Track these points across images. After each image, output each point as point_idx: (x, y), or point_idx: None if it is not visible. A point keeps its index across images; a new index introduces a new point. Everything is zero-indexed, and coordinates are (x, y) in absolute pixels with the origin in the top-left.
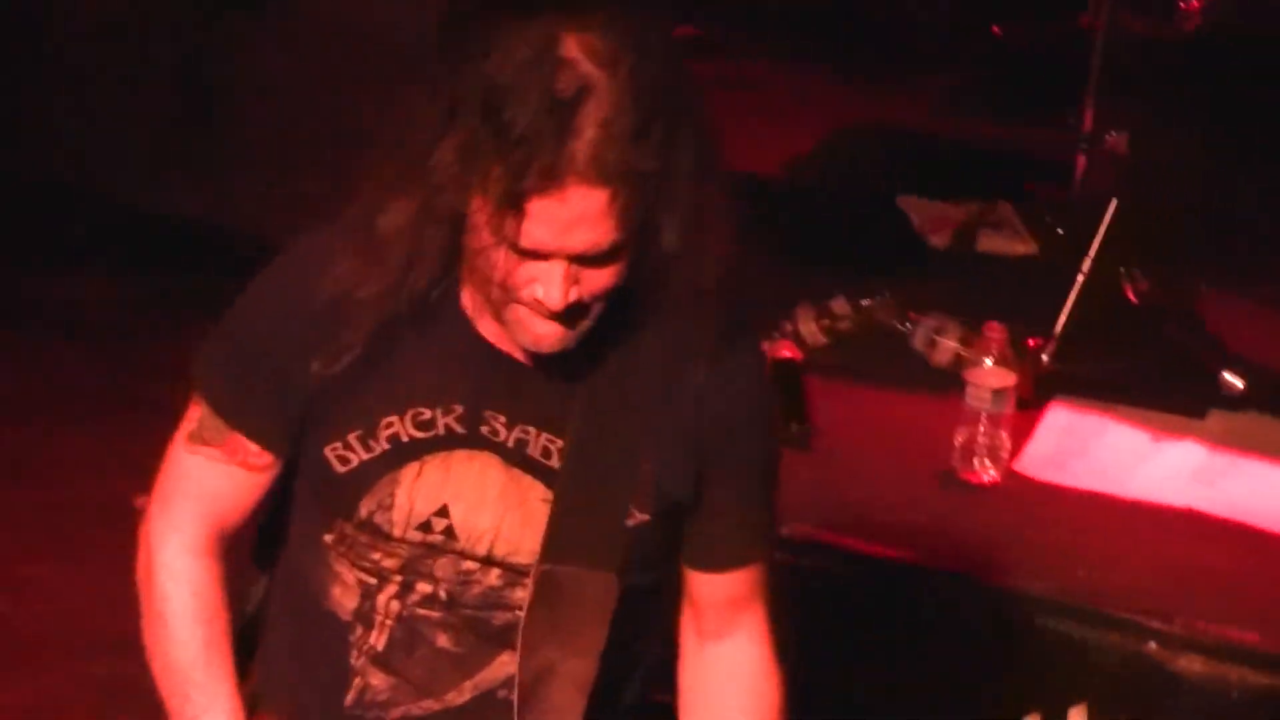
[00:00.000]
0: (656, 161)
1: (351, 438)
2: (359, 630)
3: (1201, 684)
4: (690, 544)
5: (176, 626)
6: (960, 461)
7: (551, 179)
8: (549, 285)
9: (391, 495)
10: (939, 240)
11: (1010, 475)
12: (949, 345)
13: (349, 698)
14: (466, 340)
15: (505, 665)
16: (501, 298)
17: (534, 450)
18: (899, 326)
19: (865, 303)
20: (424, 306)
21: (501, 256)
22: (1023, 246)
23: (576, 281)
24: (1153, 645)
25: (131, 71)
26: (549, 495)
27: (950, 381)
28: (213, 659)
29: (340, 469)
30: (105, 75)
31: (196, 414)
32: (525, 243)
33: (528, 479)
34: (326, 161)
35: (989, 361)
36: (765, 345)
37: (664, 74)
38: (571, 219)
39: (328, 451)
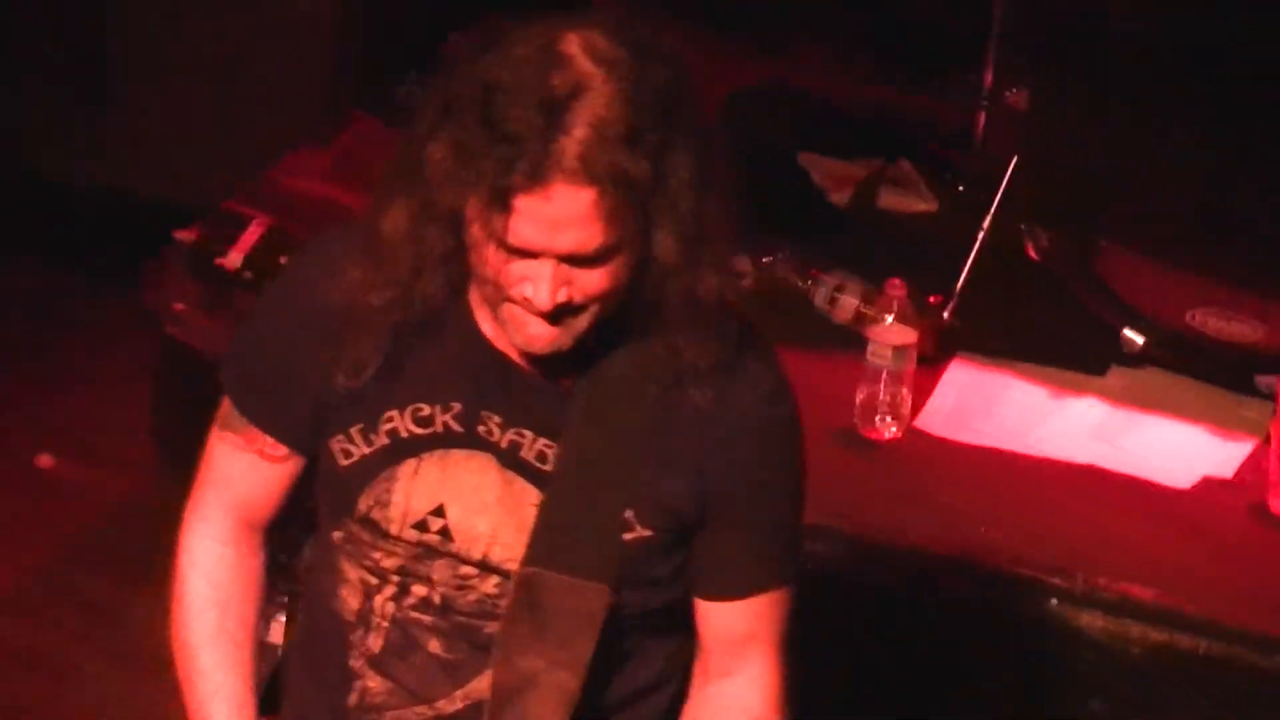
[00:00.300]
0: (649, 166)
1: (354, 431)
2: (360, 631)
3: (1102, 641)
4: (695, 569)
5: (189, 610)
6: (861, 418)
7: (538, 177)
8: (538, 284)
9: (389, 492)
10: (840, 198)
11: (911, 432)
12: (850, 303)
13: (351, 699)
14: (469, 339)
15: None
16: (495, 296)
17: (528, 454)
18: (800, 284)
19: (766, 260)
20: (435, 310)
21: (492, 253)
22: (923, 204)
23: (568, 282)
24: (1053, 602)
25: (31, 41)
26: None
27: (852, 339)
28: (220, 645)
29: (343, 462)
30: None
31: (225, 402)
32: (513, 240)
33: (521, 482)
34: (225, 131)
35: (890, 319)
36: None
37: (666, 80)
38: (558, 218)
39: (333, 444)
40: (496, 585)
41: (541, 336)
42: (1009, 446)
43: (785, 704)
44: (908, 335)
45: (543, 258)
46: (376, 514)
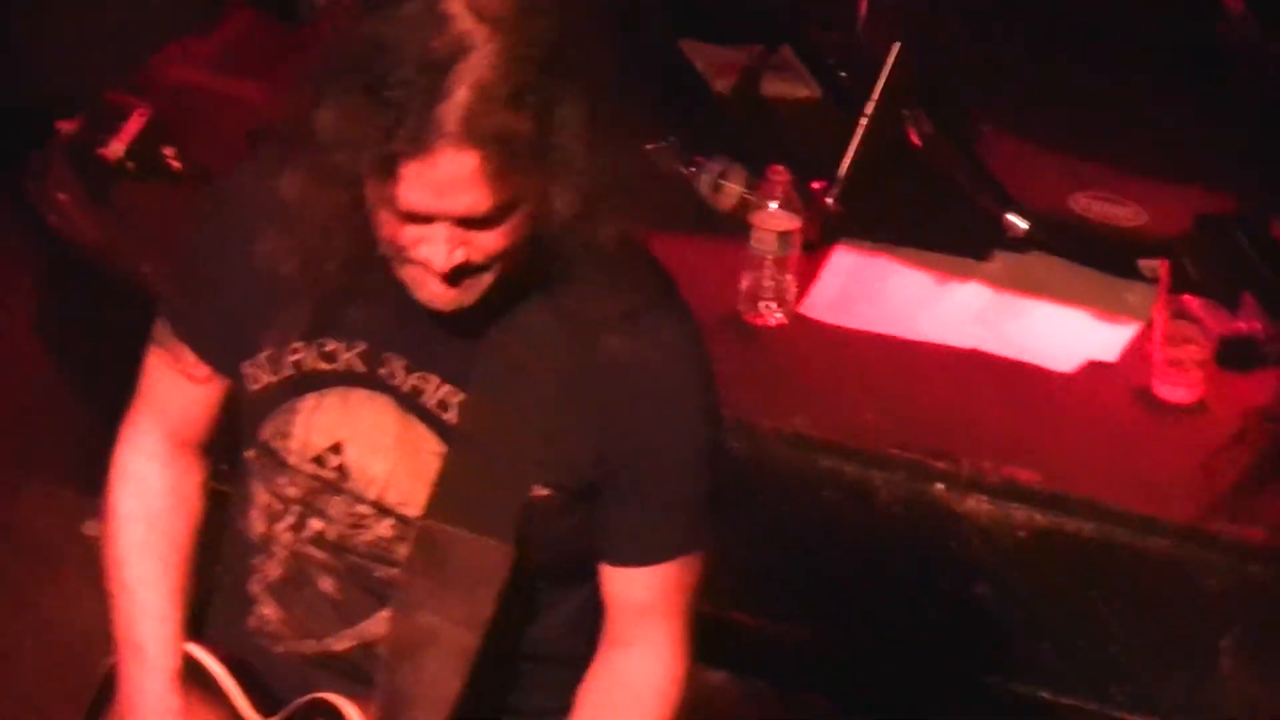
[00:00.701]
0: (534, 125)
1: (263, 357)
2: (261, 556)
3: (988, 525)
4: (600, 533)
5: (117, 524)
6: (746, 305)
7: (421, 143)
8: (434, 246)
9: (290, 423)
10: (722, 85)
11: (795, 318)
12: (733, 189)
13: (250, 623)
14: (384, 279)
15: (386, 621)
16: (396, 256)
17: (430, 400)
18: (684, 172)
19: (649, 147)
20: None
21: (386, 217)
22: (806, 90)
23: (465, 243)
24: (938, 487)
25: None
26: (442, 449)
27: (735, 226)
28: (147, 560)
29: (251, 387)
30: None
31: (158, 320)
32: (404, 205)
33: (421, 428)
34: (108, 21)
35: (774, 205)
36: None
37: (552, 30)
38: (445, 182)
39: (244, 368)
40: (391, 528)
41: (441, 296)
42: (893, 332)
43: (685, 677)
44: (791, 222)
45: (436, 221)
46: (277, 443)
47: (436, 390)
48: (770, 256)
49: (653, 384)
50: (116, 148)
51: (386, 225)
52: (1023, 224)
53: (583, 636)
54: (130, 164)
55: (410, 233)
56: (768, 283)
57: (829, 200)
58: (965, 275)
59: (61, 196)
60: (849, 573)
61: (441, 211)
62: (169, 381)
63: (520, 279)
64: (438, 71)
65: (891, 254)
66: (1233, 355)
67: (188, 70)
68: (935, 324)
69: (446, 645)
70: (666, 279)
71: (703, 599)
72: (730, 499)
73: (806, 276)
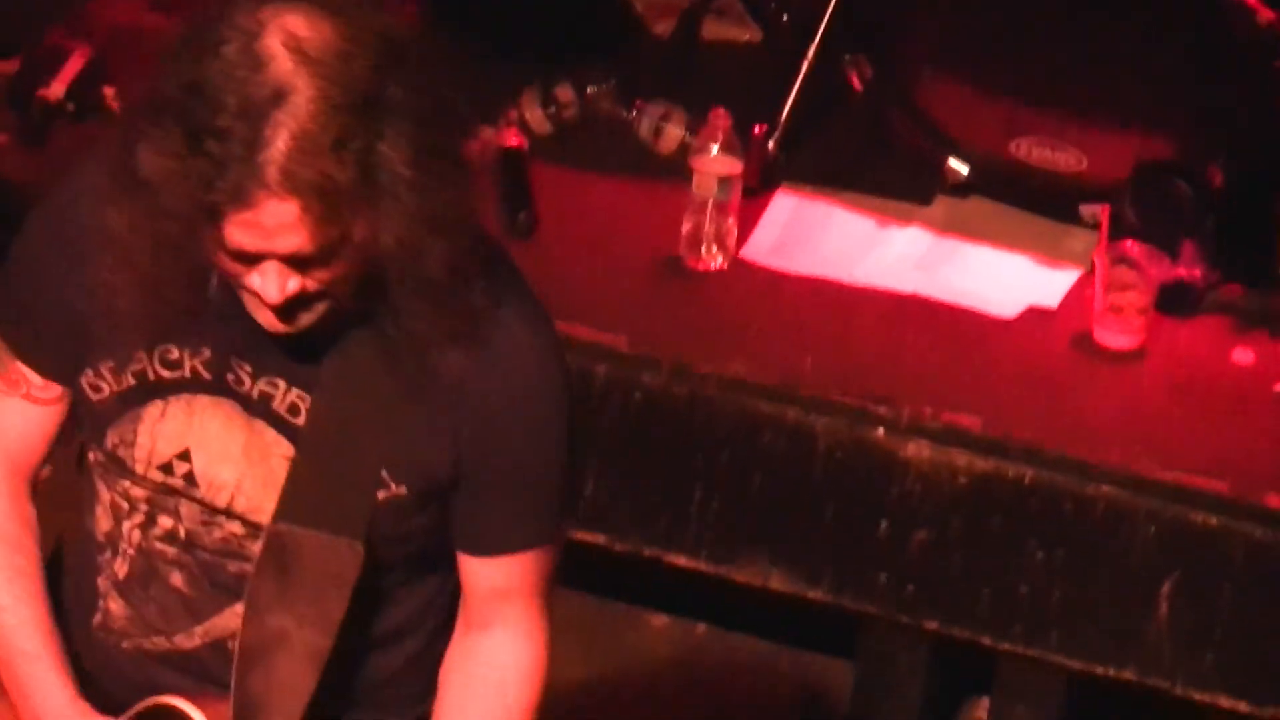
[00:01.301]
0: (355, 170)
1: (104, 368)
2: (107, 554)
3: (928, 471)
4: (456, 524)
5: None
6: (687, 249)
7: (240, 195)
8: (265, 280)
9: (134, 432)
10: (663, 28)
11: (736, 263)
12: (675, 133)
13: (95, 619)
14: (226, 286)
15: (237, 617)
16: (233, 281)
17: (280, 405)
18: (624, 114)
19: (590, 90)
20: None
21: (217, 253)
22: (747, 34)
23: (299, 273)
24: (879, 432)
25: None
26: (293, 454)
27: (676, 169)
28: (16, 581)
29: (93, 396)
30: None
31: None
32: (231, 247)
33: (271, 434)
34: None
35: (715, 149)
36: (481, 150)
37: (377, 70)
38: (270, 228)
39: (83, 380)
40: (243, 527)
41: (275, 324)
42: (834, 277)
43: (546, 656)
44: (732, 166)
45: (265, 260)
46: (122, 452)
47: (285, 395)
48: (711, 201)
49: (509, 391)
50: (56, 88)
51: (218, 259)
52: (963, 169)
53: (433, 620)
54: (70, 105)
55: (240, 268)
56: (709, 227)
57: (770, 145)
58: (906, 220)
59: (1, 138)
60: (789, 518)
61: (268, 251)
62: (5, 410)
63: (357, 304)
64: (257, 119)
65: (832, 199)
66: (1173, 301)
67: (127, 10)
68: (876, 269)
69: (298, 647)
70: (513, 279)
71: (641, 542)
72: (670, 443)
73: (747, 221)
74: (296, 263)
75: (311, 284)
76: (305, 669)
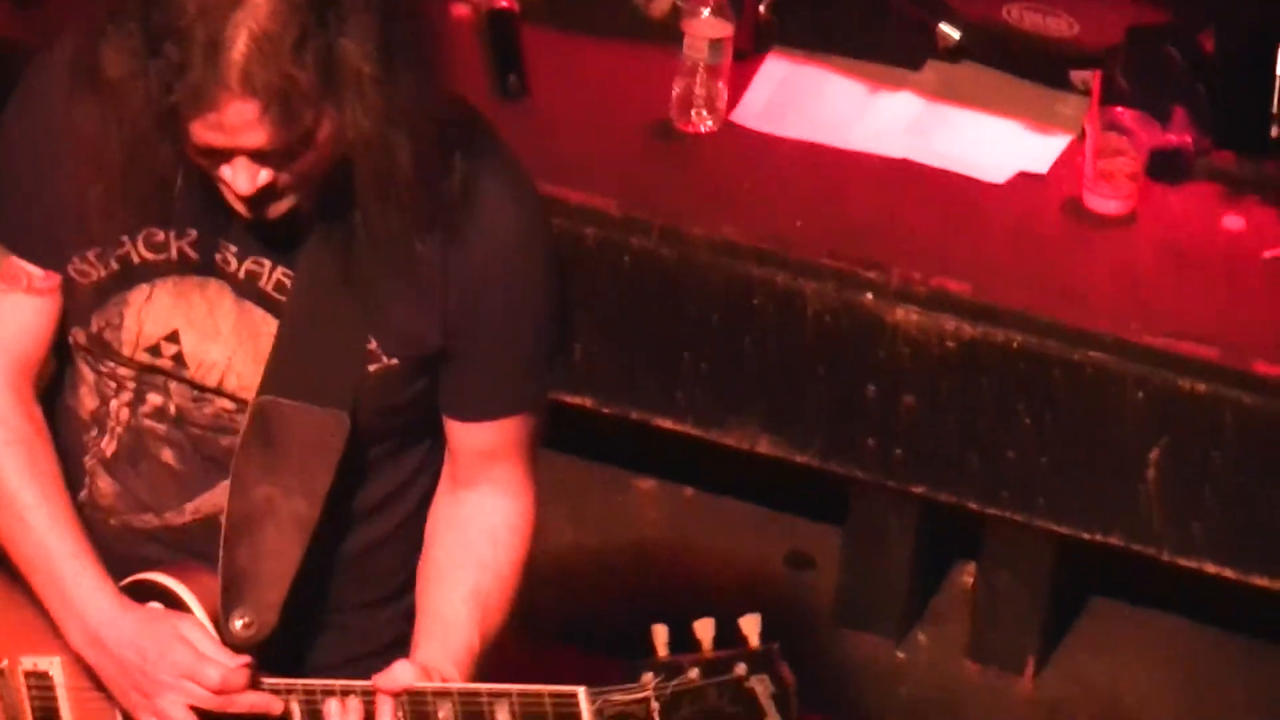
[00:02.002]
0: (315, 70)
1: (90, 254)
2: (94, 432)
3: (917, 335)
4: (443, 390)
5: None
6: (677, 113)
7: (201, 98)
8: (235, 173)
9: (121, 315)
10: None
11: (727, 126)
12: None
13: (82, 495)
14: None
15: (227, 491)
16: (204, 173)
17: (267, 284)
18: None
19: None
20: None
21: (187, 146)
22: None
23: (271, 166)
24: (868, 297)
25: None
26: None
27: (668, 33)
28: (40, 478)
29: (79, 281)
30: None
31: None
32: (198, 143)
33: (260, 312)
34: None
35: (706, 12)
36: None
37: None
38: (234, 126)
39: (70, 268)
40: (234, 404)
41: (248, 214)
42: (824, 141)
43: (533, 513)
44: (723, 29)
45: (234, 156)
46: (109, 335)
47: (271, 273)
48: (702, 64)
49: (496, 259)
50: None
51: (189, 150)
52: (955, 34)
53: (418, 492)
54: None
55: (209, 163)
56: (699, 91)
57: (761, 8)
58: (897, 85)
59: None
60: (777, 382)
61: (235, 147)
62: (5, 307)
63: (329, 197)
64: (216, 20)
65: (823, 63)
66: (1163, 168)
67: None
68: (866, 134)
69: (285, 518)
70: (493, 148)
71: (629, 407)
72: (659, 306)
73: (738, 85)
74: (264, 157)
75: (283, 177)
76: (292, 539)
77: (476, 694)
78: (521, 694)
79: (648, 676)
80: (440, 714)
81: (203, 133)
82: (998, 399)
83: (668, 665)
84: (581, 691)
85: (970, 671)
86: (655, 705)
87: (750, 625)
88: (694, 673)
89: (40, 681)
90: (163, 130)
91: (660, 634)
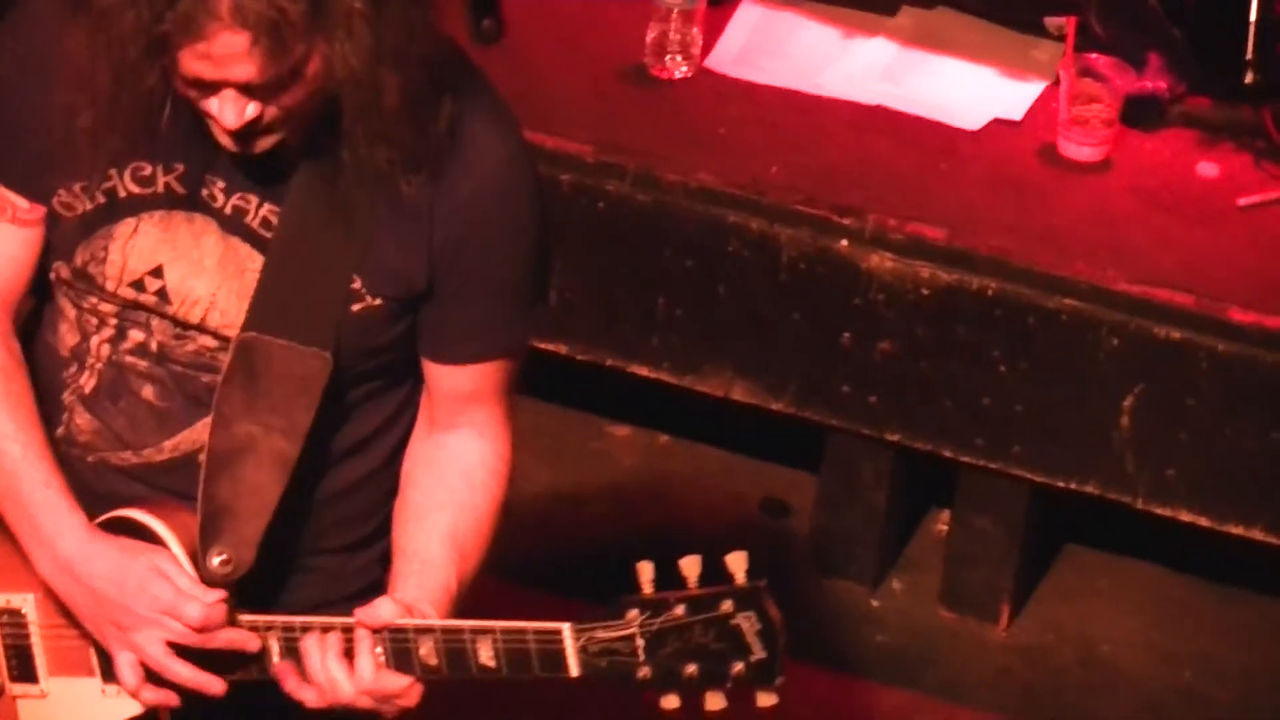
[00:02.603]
0: (306, 2)
1: (76, 186)
2: (73, 369)
3: (892, 281)
4: (424, 332)
5: None
6: (652, 58)
7: (191, 27)
8: (222, 106)
9: (105, 249)
10: None
11: (702, 72)
12: None
13: (59, 432)
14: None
15: (208, 429)
16: (192, 104)
17: (253, 220)
18: None
19: None
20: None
21: (175, 77)
22: None
23: (256, 99)
24: (844, 243)
25: None
26: None
27: None
28: (17, 409)
29: (64, 214)
30: None
31: None
32: (186, 74)
33: (246, 249)
34: None
35: None
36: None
37: None
38: (223, 57)
39: (57, 197)
40: (215, 340)
41: (235, 148)
42: (799, 87)
43: (509, 454)
44: None
45: (222, 88)
46: (92, 269)
47: (258, 210)
48: (676, 9)
49: (481, 199)
50: None
51: (177, 82)
52: None
53: (396, 434)
54: None
55: (197, 94)
56: (674, 35)
57: None
58: (872, 30)
59: None
60: (752, 328)
61: (223, 79)
62: None
63: (317, 133)
64: None
65: (798, 8)
66: (1138, 114)
67: None
68: (841, 79)
69: (265, 455)
70: (479, 87)
71: (604, 353)
72: (633, 252)
73: (713, 30)
74: (252, 90)
75: (270, 111)
76: (272, 475)
77: (459, 630)
78: (505, 630)
79: (633, 613)
80: (421, 650)
81: (191, 63)
82: (973, 346)
83: (653, 602)
84: (566, 628)
85: (945, 619)
86: (640, 642)
87: (737, 562)
88: (679, 609)
89: (13, 619)
90: (151, 59)
91: (645, 571)
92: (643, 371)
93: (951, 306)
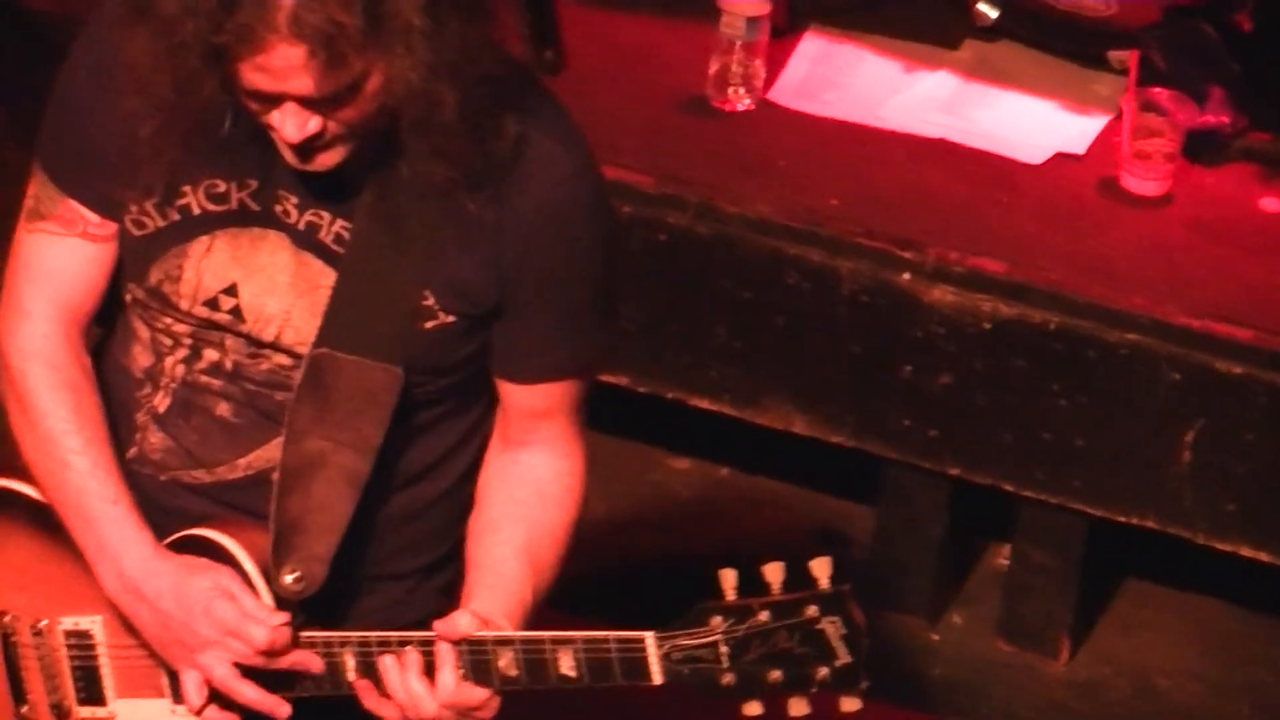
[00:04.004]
0: (364, 16)
1: (149, 204)
2: (146, 389)
3: (952, 315)
4: (496, 350)
5: (39, 398)
6: (714, 90)
7: (249, 39)
8: (284, 119)
9: (180, 267)
10: None
11: (763, 104)
12: None
13: (131, 452)
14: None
15: (280, 448)
16: (256, 119)
17: (326, 236)
18: None
19: None
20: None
21: (237, 88)
22: None
23: (318, 113)
24: (904, 276)
25: None
26: None
27: (705, 8)
28: (86, 424)
29: (135, 232)
30: None
31: (33, 188)
32: (247, 86)
33: (319, 265)
34: None
35: None
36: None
37: None
38: (281, 70)
39: (127, 219)
40: (290, 359)
41: (298, 162)
42: (860, 119)
43: (584, 469)
44: (761, 6)
45: (283, 101)
46: (167, 288)
47: (331, 226)
48: (739, 41)
49: (550, 213)
50: None
51: (240, 94)
52: (992, 13)
53: (466, 458)
54: None
55: (259, 107)
56: (736, 68)
57: None
58: (934, 64)
59: None
60: (812, 361)
61: (284, 92)
62: (59, 252)
63: (379, 148)
64: None
65: (860, 41)
66: (1200, 148)
67: None
68: (903, 112)
69: (335, 471)
70: (545, 104)
71: (664, 385)
72: (694, 284)
73: (775, 62)
74: (312, 104)
75: (332, 125)
76: (343, 492)
77: (539, 641)
78: (587, 640)
79: (716, 619)
80: (501, 662)
81: (250, 74)
82: (1033, 379)
83: (736, 608)
84: (649, 636)
85: (1003, 652)
86: (724, 649)
87: (821, 567)
88: (764, 615)
89: (81, 641)
90: (210, 69)
91: (728, 578)
92: (702, 404)
93: (1012, 340)
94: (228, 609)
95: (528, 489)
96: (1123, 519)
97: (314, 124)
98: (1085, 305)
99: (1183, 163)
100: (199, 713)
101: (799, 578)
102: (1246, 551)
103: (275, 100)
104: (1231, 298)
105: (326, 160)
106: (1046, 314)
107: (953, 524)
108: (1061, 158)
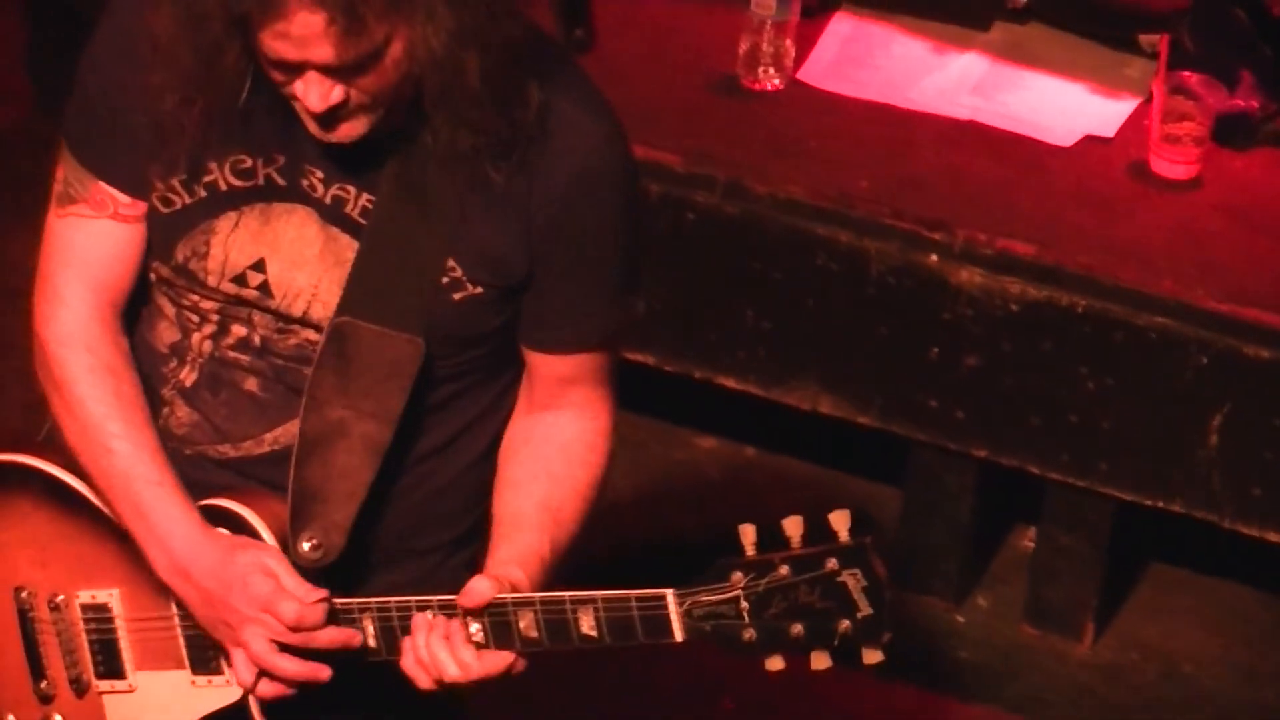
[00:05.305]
0: None
1: (175, 180)
2: (173, 364)
3: (980, 296)
4: (525, 321)
5: (78, 384)
6: (744, 69)
7: (271, 5)
8: (307, 88)
9: (207, 244)
10: None
11: (793, 84)
12: None
13: (158, 425)
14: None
15: None
16: (280, 89)
17: (353, 209)
18: None
19: None
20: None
21: (260, 57)
22: None
23: (341, 82)
24: (933, 257)
25: None
26: None
27: None
28: (126, 408)
29: (162, 210)
30: None
31: (61, 172)
32: (269, 55)
33: (346, 239)
34: None
35: None
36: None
37: None
38: (302, 37)
39: (156, 192)
40: (318, 334)
41: (321, 132)
42: (890, 100)
43: (611, 431)
44: None
45: (305, 70)
46: (194, 265)
47: (357, 199)
48: (769, 21)
49: (577, 181)
50: None
51: (263, 64)
52: None
53: (489, 432)
54: None
55: (282, 76)
56: (766, 47)
57: None
58: (964, 45)
59: None
60: (840, 341)
61: (306, 59)
62: (90, 236)
63: (403, 117)
64: None
65: (891, 21)
66: (1230, 132)
67: None
68: (933, 93)
69: (356, 438)
70: (573, 74)
71: (690, 365)
72: (722, 264)
73: (805, 42)
74: (334, 72)
75: (355, 94)
76: (363, 460)
77: (559, 601)
78: (606, 599)
79: (736, 575)
80: (522, 624)
81: (272, 42)
82: (1060, 362)
83: (757, 564)
84: (669, 593)
85: (1029, 635)
86: (745, 604)
87: (840, 520)
88: (784, 569)
89: (99, 614)
90: (231, 37)
91: (748, 533)
92: (729, 383)
93: (1040, 322)
94: (263, 584)
95: (551, 446)
96: (1149, 502)
97: (337, 93)
98: (1113, 288)
99: (1212, 146)
100: (252, 689)
101: (819, 531)
102: (1273, 536)
103: (298, 69)
104: (1260, 282)
105: (350, 130)
106: (1075, 296)
107: (979, 506)
108: (1091, 140)
